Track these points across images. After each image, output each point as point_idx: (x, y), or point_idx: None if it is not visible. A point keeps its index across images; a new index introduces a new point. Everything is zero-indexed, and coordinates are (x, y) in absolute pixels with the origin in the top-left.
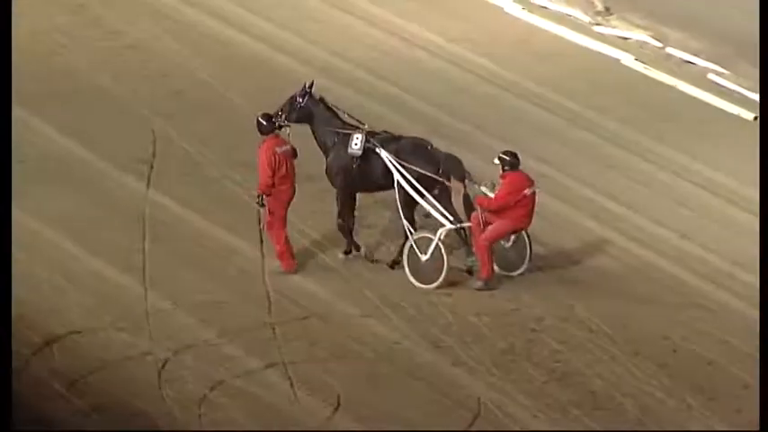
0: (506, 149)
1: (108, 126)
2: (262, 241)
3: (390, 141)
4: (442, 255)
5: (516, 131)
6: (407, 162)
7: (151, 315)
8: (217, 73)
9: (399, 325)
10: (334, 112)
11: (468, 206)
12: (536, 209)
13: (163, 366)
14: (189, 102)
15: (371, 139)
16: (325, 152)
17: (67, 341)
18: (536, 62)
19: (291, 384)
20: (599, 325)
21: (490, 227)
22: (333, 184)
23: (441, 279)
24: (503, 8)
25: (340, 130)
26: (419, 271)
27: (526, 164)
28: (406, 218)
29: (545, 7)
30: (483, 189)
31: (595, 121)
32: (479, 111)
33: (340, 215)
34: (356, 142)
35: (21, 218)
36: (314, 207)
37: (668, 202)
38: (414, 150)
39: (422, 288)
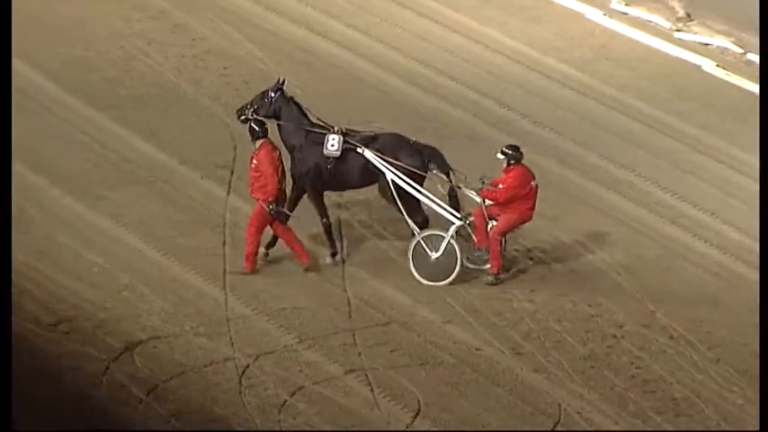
0: (510, 143)
1: (189, 131)
2: (342, 247)
3: (370, 141)
4: (455, 252)
5: (596, 137)
6: (395, 159)
7: (231, 321)
8: (298, 79)
9: (480, 331)
10: (303, 111)
11: (454, 199)
12: (617, 215)
13: (243, 372)
14: None
15: (350, 140)
16: (291, 150)
17: (147, 347)
18: (616, 68)
19: (372, 390)
20: (680, 331)
21: (499, 220)
22: (297, 183)
23: (453, 276)
24: (584, 14)
25: (310, 130)
26: (428, 268)
27: (606, 168)
28: (409, 215)
29: (626, 13)
30: (485, 182)
31: (675, 126)
32: (559, 116)
33: (322, 215)
34: (333, 143)
35: (101, 222)
36: (397, 214)
37: (749, 209)
38: (398, 146)
39: (431, 285)
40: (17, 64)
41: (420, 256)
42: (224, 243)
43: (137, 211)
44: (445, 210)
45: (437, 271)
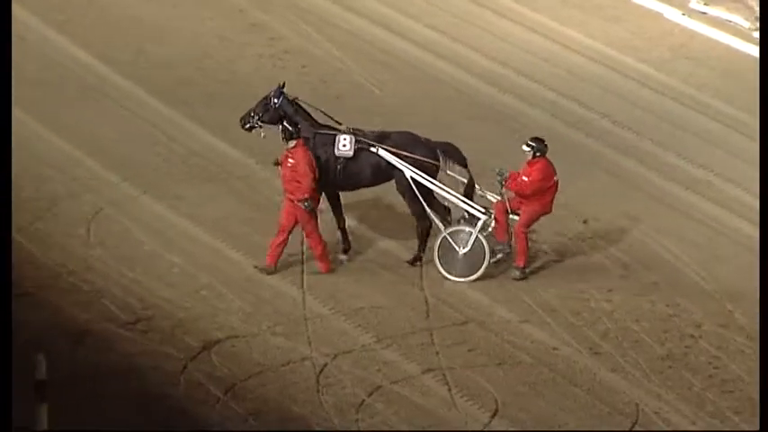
0: (534, 136)
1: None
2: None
3: (382, 139)
4: (483, 247)
5: (675, 136)
6: (412, 155)
7: (309, 320)
8: (376, 79)
9: (558, 331)
10: (307, 113)
11: (471, 193)
12: (696, 215)
13: (320, 371)
14: (348, 107)
15: (363, 139)
16: None
17: (225, 346)
18: (695, 67)
19: (449, 390)
20: (758, 331)
21: (523, 214)
22: None
23: (481, 271)
24: (662, 13)
25: (318, 131)
26: (455, 264)
27: (685, 168)
28: (433, 211)
29: (704, 13)
30: (502, 175)
31: (754, 126)
32: (638, 116)
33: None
34: (345, 143)
35: (179, 222)
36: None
37: None
38: (412, 143)
39: (458, 282)
40: (92, 61)
41: (447, 252)
42: (301, 242)
43: (213, 209)
44: (468, 204)
45: (465, 267)
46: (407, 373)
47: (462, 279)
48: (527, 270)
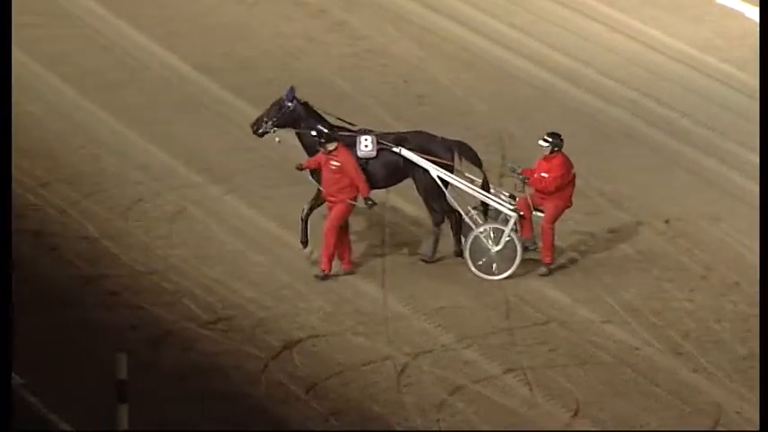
0: (550, 131)
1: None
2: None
3: (400, 140)
4: (515, 245)
5: (757, 134)
6: (430, 155)
7: (390, 320)
8: (458, 78)
9: (639, 331)
10: (319, 115)
11: (487, 191)
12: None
13: (401, 371)
14: (430, 106)
15: (382, 141)
16: (313, 155)
17: (306, 345)
18: None
19: (530, 389)
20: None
21: (548, 209)
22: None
23: (513, 269)
24: (743, 13)
25: (339, 133)
26: (486, 262)
27: None
28: (442, 210)
29: None
30: (516, 172)
31: None
32: (719, 115)
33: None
34: (367, 144)
35: (262, 222)
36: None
37: None
38: (430, 143)
39: (489, 279)
40: (180, 65)
41: (477, 250)
42: (383, 242)
43: (297, 210)
44: (497, 202)
45: (496, 264)
46: (488, 373)
47: (492, 277)
48: (552, 267)
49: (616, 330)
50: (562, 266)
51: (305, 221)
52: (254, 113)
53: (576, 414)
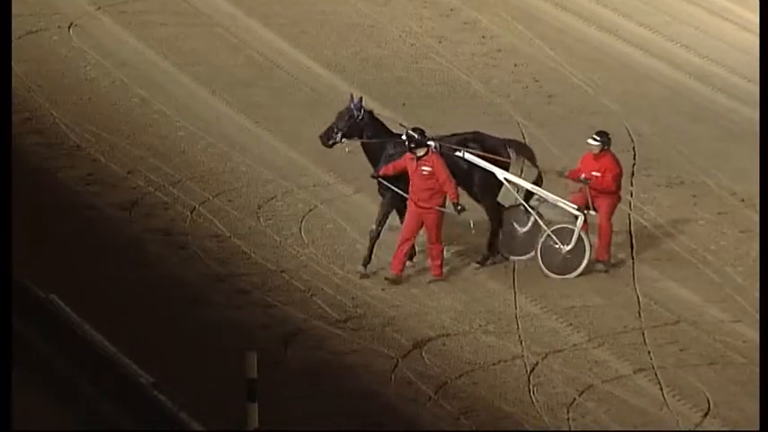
0: (599, 130)
1: (478, 129)
2: (632, 246)
3: (461, 142)
4: (584, 243)
5: None
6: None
7: (520, 319)
8: (588, 77)
9: None
10: (383, 123)
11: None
12: None
13: (531, 370)
14: (560, 106)
15: (445, 145)
16: (378, 163)
17: (436, 344)
18: None
19: (661, 389)
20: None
21: (603, 207)
22: (384, 195)
23: (582, 267)
24: None
25: (399, 141)
26: (556, 262)
27: None
28: (497, 212)
29: None
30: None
31: None
32: None
33: (380, 224)
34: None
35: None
36: (685, 214)
37: None
38: (490, 142)
39: (558, 278)
40: (310, 64)
41: (549, 250)
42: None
43: None
44: (564, 203)
45: (566, 264)
46: (619, 373)
47: (563, 276)
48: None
49: (747, 330)
50: (693, 266)
51: (375, 240)
52: (385, 113)
53: (706, 414)
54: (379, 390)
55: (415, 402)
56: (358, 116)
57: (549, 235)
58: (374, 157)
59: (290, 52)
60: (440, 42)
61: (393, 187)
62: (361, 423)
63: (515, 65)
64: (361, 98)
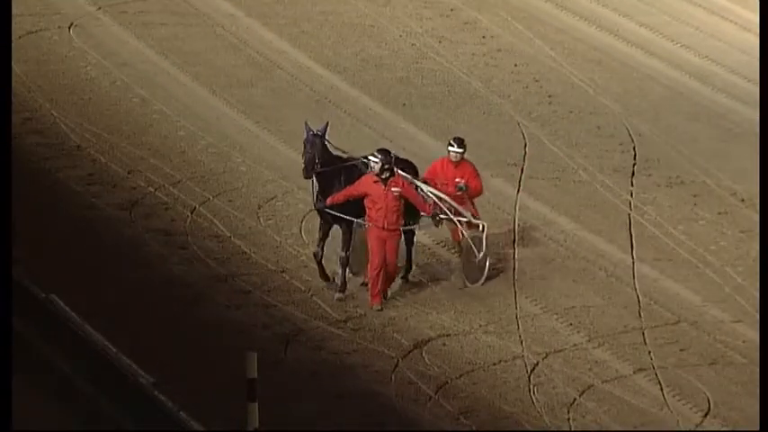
0: (457, 136)
1: (479, 129)
2: (632, 246)
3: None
4: (486, 252)
5: None
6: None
7: (520, 319)
8: (589, 77)
9: None
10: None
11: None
12: None
13: (532, 370)
14: (560, 106)
15: (407, 177)
16: (332, 191)
17: (437, 344)
18: None
19: (661, 389)
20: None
21: (473, 211)
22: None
23: (485, 276)
24: None
25: (357, 162)
26: (469, 271)
27: None
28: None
29: None
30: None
31: None
32: None
33: (347, 248)
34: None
35: None
36: (685, 214)
37: None
38: (400, 163)
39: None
40: (311, 64)
41: (467, 259)
42: (514, 241)
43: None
44: (468, 215)
45: (476, 271)
46: (619, 373)
47: (472, 285)
48: None
49: (747, 330)
50: (693, 266)
51: (346, 266)
52: (385, 113)
53: (707, 414)
54: (380, 390)
55: (416, 402)
56: (323, 140)
57: (470, 245)
58: (328, 184)
59: (291, 52)
60: (440, 42)
61: (342, 215)
62: (361, 423)
63: (515, 65)
64: (327, 123)
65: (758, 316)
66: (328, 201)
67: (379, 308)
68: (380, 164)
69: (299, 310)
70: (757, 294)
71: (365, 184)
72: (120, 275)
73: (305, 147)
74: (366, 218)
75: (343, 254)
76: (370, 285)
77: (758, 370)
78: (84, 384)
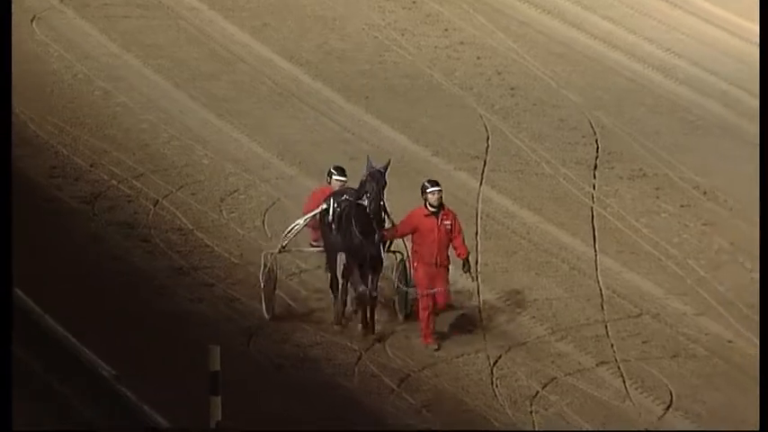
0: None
1: (441, 122)
2: (595, 238)
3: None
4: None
5: None
6: None
7: (483, 312)
8: (551, 70)
9: (733, 323)
10: None
11: None
12: None
13: (495, 363)
14: (523, 98)
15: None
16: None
17: (399, 337)
18: None
19: (624, 382)
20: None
21: None
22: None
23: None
24: None
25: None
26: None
27: None
28: None
29: None
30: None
31: None
32: None
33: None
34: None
35: None
36: (648, 206)
37: None
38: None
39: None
40: (273, 57)
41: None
42: (476, 233)
43: (393, 203)
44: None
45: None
46: (582, 365)
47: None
48: None
49: (710, 323)
50: (656, 259)
51: (344, 302)
52: (348, 106)
53: (669, 407)
54: (343, 382)
55: (378, 395)
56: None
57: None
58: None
59: (253, 45)
60: (402, 35)
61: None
62: (324, 415)
63: (478, 57)
64: (389, 161)
65: (758, 318)
66: (387, 235)
67: (436, 347)
68: (436, 195)
69: (263, 304)
70: (719, 287)
71: (416, 219)
72: (82, 268)
73: (366, 183)
74: (413, 255)
75: (364, 289)
76: (422, 326)
77: (721, 363)
78: (46, 377)
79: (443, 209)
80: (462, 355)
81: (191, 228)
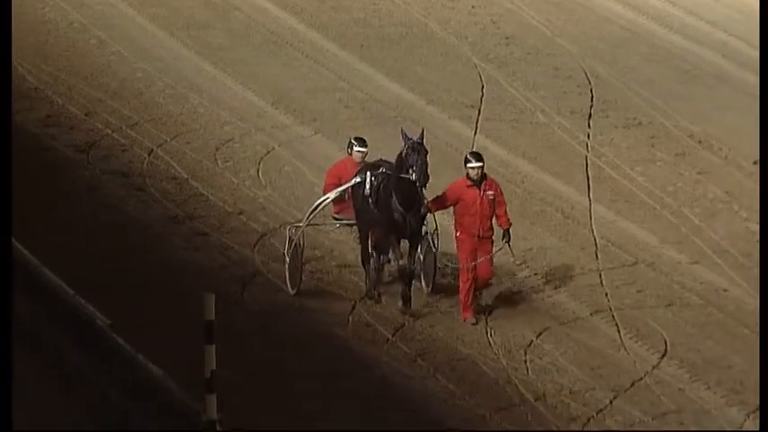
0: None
1: (436, 71)
2: (589, 187)
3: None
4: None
5: None
6: None
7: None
8: (546, 19)
9: (727, 271)
10: None
11: None
12: None
13: (489, 312)
14: (518, 47)
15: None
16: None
17: (395, 287)
18: None
19: (618, 331)
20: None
21: None
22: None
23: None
24: None
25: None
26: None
27: None
28: None
29: None
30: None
31: None
32: None
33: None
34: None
35: None
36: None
37: None
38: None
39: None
40: (267, 5)
41: None
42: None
43: (385, 151)
44: None
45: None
46: (576, 314)
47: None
48: None
49: (704, 272)
50: (650, 207)
51: (377, 275)
52: (342, 54)
53: (663, 355)
54: (337, 332)
55: (373, 344)
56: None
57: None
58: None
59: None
60: None
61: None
62: (318, 364)
63: (473, 6)
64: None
65: (758, 320)
66: (432, 207)
67: (474, 321)
68: (476, 170)
69: (257, 252)
70: (713, 235)
71: (459, 189)
72: (77, 217)
73: (409, 156)
74: (456, 225)
75: (403, 262)
76: (461, 297)
77: (716, 311)
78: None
79: (486, 179)
80: (457, 304)
81: (185, 177)
